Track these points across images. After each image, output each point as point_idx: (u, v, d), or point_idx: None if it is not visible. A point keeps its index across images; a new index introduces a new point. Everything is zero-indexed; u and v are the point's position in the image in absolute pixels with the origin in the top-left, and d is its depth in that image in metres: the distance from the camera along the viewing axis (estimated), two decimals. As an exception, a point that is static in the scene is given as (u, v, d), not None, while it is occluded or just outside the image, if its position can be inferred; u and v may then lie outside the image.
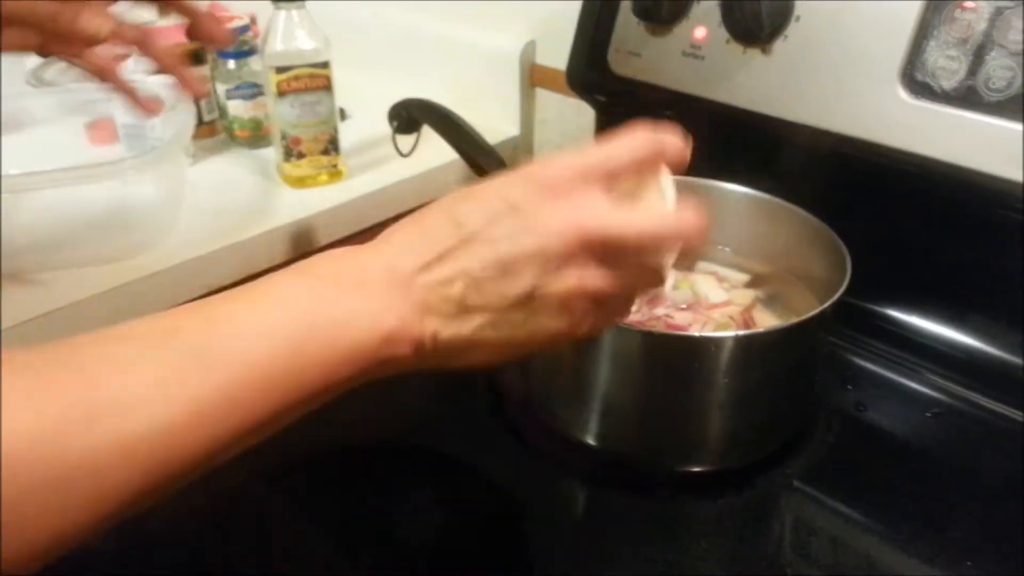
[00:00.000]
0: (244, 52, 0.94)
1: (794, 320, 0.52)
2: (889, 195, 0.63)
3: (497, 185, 0.36)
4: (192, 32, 0.66)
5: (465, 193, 0.37)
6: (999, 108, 0.54)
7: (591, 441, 0.55)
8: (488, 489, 0.55)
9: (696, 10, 0.67)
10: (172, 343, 0.31)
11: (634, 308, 0.42)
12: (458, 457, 0.57)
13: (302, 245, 0.84)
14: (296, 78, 0.83)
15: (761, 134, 0.66)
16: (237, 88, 0.95)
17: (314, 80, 0.84)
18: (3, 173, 0.66)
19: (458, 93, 1.04)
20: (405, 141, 0.73)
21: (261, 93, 0.94)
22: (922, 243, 0.64)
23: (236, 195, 0.86)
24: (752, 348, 0.51)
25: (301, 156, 0.87)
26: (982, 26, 0.54)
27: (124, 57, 0.76)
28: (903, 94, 0.58)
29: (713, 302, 0.61)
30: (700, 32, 0.67)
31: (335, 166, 0.89)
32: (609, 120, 0.83)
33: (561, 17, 0.84)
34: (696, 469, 0.55)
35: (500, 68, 0.99)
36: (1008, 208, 0.56)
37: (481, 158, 0.67)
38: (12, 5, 0.57)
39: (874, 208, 0.64)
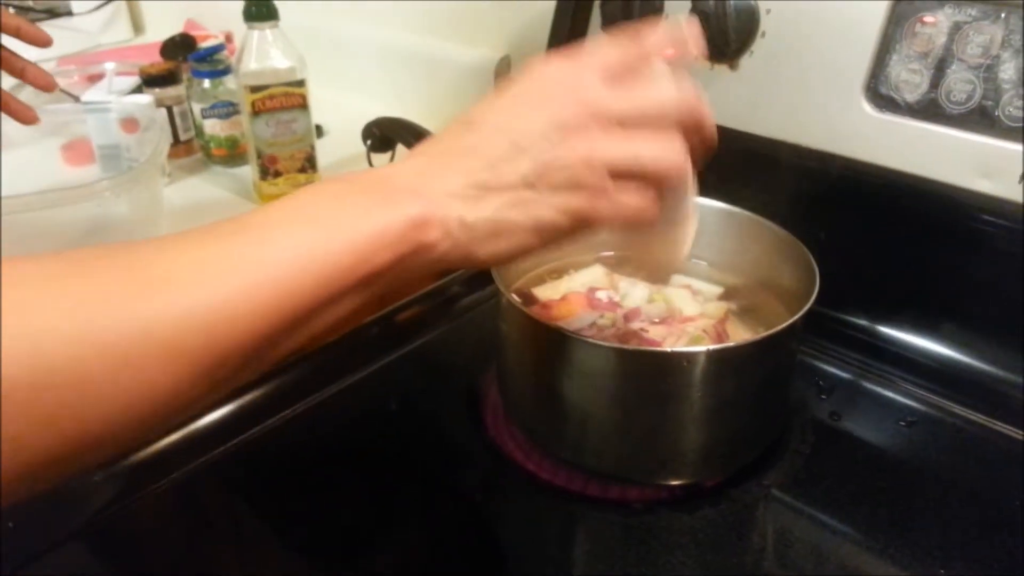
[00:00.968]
0: (219, 71, 0.95)
1: (765, 332, 0.52)
2: (857, 207, 0.64)
3: (501, 89, 0.39)
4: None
5: (477, 104, 0.39)
6: (960, 120, 0.55)
7: (566, 455, 0.55)
8: (463, 503, 0.55)
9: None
10: (211, 235, 0.33)
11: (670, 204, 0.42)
12: (434, 471, 0.57)
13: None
14: (271, 97, 0.83)
15: (730, 149, 0.67)
16: (213, 107, 0.95)
17: (289, 98, 0.84)
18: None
19: (435, 108, 1.05)
20: (381, 159, 0.73)
21: (237, 112, 0.94)
22: (891, 253, 0.65)
23: (213, 214, 0.86)
24: (724, 361, 0.51)
25: (278, 175, 0.87)
26: (942, 40, 0.55)
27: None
28: (867, 107, 0.59)
29: (687, 315, 0.61)
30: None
31: (312, 184, 0.89)
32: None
33: (535, 32, 0.85)
34: (671, 482, 0.55)
35: (475, 83, 1.00)
36: (972, 218, 0.57)
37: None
38: None
39: (843, 220, 0.65)
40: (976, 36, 0.54)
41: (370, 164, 0.73)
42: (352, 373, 0.67)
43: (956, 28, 0.55)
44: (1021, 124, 0.53)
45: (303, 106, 0.85)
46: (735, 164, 0.68)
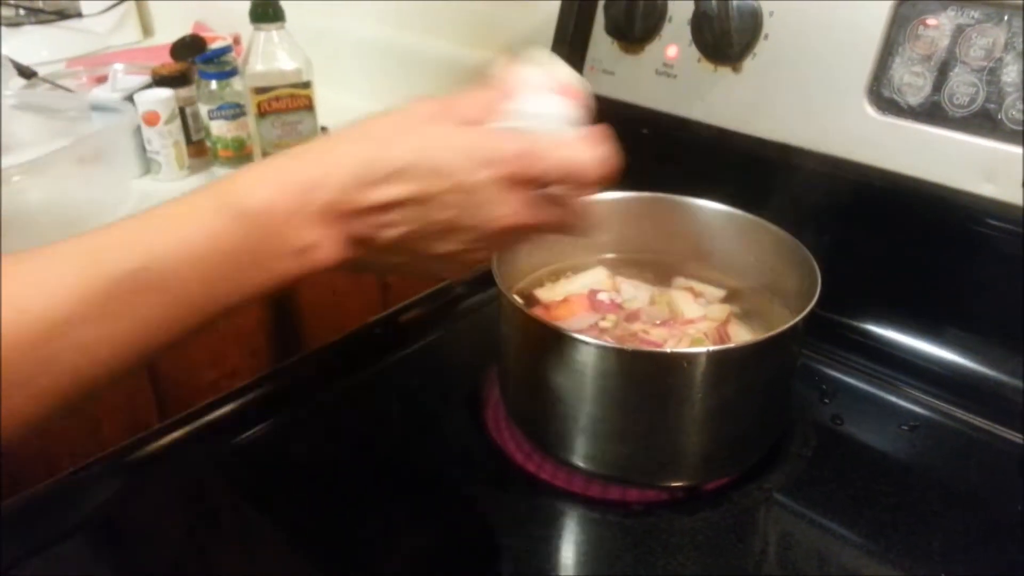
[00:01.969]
0: (226, 72, 0.95)
1: (766, 335, 0.52)
2: (859, 210, 0.64)
3: (433, 125, 0.41)
4: None
5: (409, 126, 0.41)
6: (963, 123, 0.55)
7: (567, 457, 0.55)
8: (465, 505, 0.55)
9: (668, 29, 0.68)
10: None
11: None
12: (436, 474, 0.57)
13: (284, 264, 0.84)
14: (277, 98, 0.84)
15: (733, 151, 0.67)
16: (220, 108, 0.95)
17: (295, 100, 0.84)
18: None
19: (440, 111, 1.05)
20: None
21: (243, 113, 0.94)
22: (894, 256, 0.65)
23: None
24: (725, 363, 0.51)
25: (283, 176, 0.87)
26: (945, 43, 0.55)
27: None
28: (870, 110, 0.59)
29: (689, 317, 0.61)
30: (672, 51, 0.68)
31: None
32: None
33: (539, 34, 0.85)
34: (672, 484, 0.55)
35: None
36: (974, 221, 0.57)
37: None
38: None
39: (846, 222, 0.65)
40: (979, 39, 0.54)
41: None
42: (354, 373, 0.67)
43: (959, 31, 0.55)
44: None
45: (309, 108, 0.85)
46: (737, 167, 0.69)
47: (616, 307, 0.62)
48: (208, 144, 0.99)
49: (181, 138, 0.95)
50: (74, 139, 0.86)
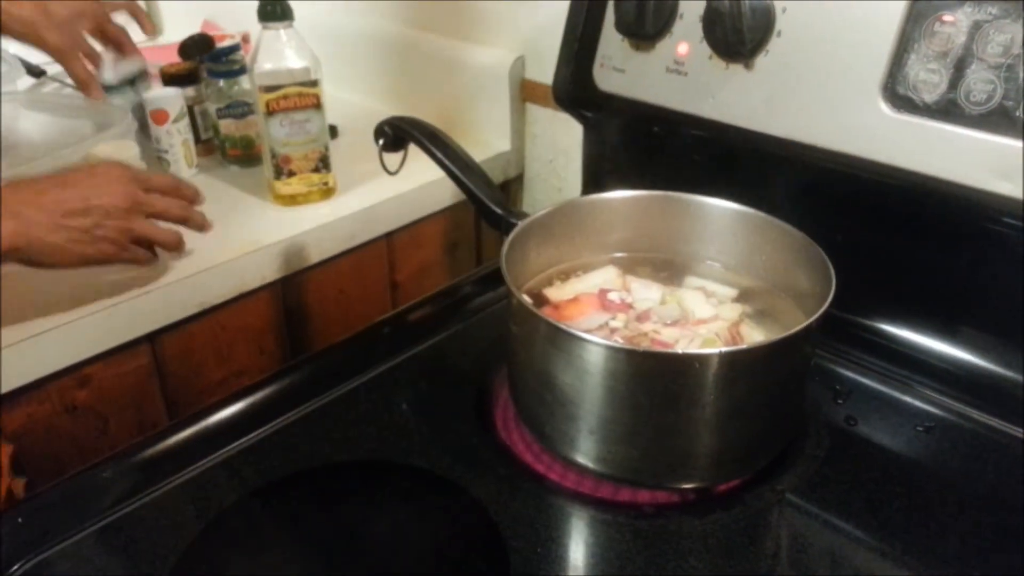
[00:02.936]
0: (234, 71, 0.95)
1: (779, 335, 0.51)
2: (874, 208, 0.63)
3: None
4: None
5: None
6: (980, 121, 0.54)
7: (577, 459, 0.55)
8: (474, 507, 0.55)
9: (679, 26, 0.68)
10: None
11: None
12: (445, 475, 0.57)
13: (293, 263, 0.84)
14: (285, 97, 0.83)
15: (745, 149, 0.67)
16: (228, 107, 0.95)
17: (303, 99, 0.84)
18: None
19: (450, 108, 1.05)
20: (393, 159, 0.73)
21: (252, 112, 0.94)
22: (909, 256, 0.64)
23: (228, 214, 0.86)
24: (737, 364, 0.51)
25: (292, 174, 0.87)
26: (962, 39, 0.54)
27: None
28: (885, 108, 0.58)
29: (700, 317, 0.60)
30: (683, 48, 0.67)
31: (326, 184, 0.90)
32: (597, 135, 0.83)
33: (550, 33, 0.84)
34: (684, 486, 0.54)
35: (490, 84, 1.00)
36: (992, 220, 0.56)
37: (465, 175, 0.67)
38: None
39: (860, 221, 0.64)
40: (997, 35, 0.53)
41: (382, 164, 0.73)
42: (363, 372, 0.67)
43: (976, 27, 0.54)
44: (1043, 125, 0.52)
45: (317, 106, 0.85)
46: (750, 165, 0.68)
47: (626, 307, 0.61)
48: (216, 143, 0.99)
49: (190, 137, 0.95)
50: (80, 139, 0.86)
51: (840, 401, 0.63)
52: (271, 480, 0.57)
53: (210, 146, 1.00)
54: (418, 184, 0.92)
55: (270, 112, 0.83)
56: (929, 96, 0.56)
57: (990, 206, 0.56)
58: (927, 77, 0.56)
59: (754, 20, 0.62)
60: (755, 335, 0.59)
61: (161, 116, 0.91)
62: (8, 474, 0.65)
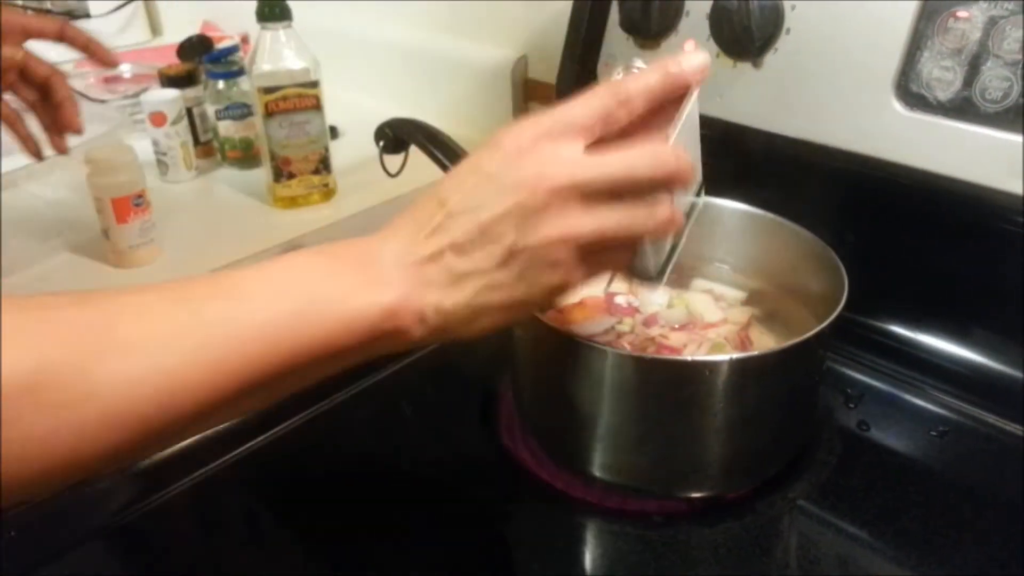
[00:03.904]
0: (233, 72, 0.94)
1: (791, 341, 0.50)
2: (886, 208, 0.62)
3: (471, 160, 0.39)
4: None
5: (448, 174, 0.40)
6: (996, 119, 0.53)
7: (584, 467, 0.54)
8: (478, 516, 0.54)
9: (685, 24, 0.67)
10: (182, 299, 0.34)
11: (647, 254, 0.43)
12: (451, 484, 0.56)
13: (293, 267, 0.83)
14: (284, 98, 0.82)
15: (754, 149, 0.65)
16: (227, 109, 0.94)
17: (303, 100, 0.83)
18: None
19: (452, 108, 1.04)
20: (394, 161, 0.72)
21: (251, 113, 0.93)
22: (922, 257, 0.63)
23: (227, 216, 0.86)
24: (748, 371, 0.49)
25: (291, 176, 0.86)
26: (976, 36, 0.53)
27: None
28: (898, 106, 0.57)
29: (709, 321, 0.59)
30: (690, 46, 0.66)
31: (326, 185, 0.89)
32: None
33: (553, 32, 0.83)
34: (694, 495, 0.53)
35: (493, 83, 0.99)
36: (1007, 220, 0.55)
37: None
38: None
39: (871, 222, 0.63)
40: (1013, 31, 0.52)
41: (383, 166, 0.72)
42: (366, 378, 0.66)
43: (992, 23, 0.52)
44: (1060, 123, 0.51)
45: (317, 107, 0.84)
46: (759, 165, 0.67)
47: (633, 310, 0.60)
48: (215, 144, 0.98)
49: (189, 139, 0.94)
50: (78, 141, 0.85)
51: (852, 405, 0.62)
52: (273, 488, 0.56)
53: (209, 148, 0.99)
54: (419, 186, 0.90)
55: (269, 113, 0.82)
56: (943, 94, 0.55)
57: (1006, 206, 0.55)
58: (941, 75, 0.55)
59: (762, 18, 0.61)
60: (764, 339, 0.58)
61: (159, 118, 0.90)
62: None
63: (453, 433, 0.61)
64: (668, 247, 0.45)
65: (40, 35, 0.71)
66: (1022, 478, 0.55)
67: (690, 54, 0.41)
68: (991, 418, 0.60)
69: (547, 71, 0.93)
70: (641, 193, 0.38)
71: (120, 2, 1.38)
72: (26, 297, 0.32)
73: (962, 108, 0.54)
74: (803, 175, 0.64)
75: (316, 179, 0.87)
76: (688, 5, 0.67)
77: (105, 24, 1.38)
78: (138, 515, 0.54)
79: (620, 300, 0.61)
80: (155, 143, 0.92)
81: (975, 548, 0.50)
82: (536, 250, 0.37)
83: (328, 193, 0.89)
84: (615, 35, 0.72)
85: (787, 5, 0.61)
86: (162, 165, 0.93)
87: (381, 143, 0.70)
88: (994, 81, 0.53)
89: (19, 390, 0.29)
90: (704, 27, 0.65)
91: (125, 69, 1.20)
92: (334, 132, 1.01)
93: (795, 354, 0.50)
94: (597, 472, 0.53)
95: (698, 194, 0.48)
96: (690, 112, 0.41)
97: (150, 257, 0.78)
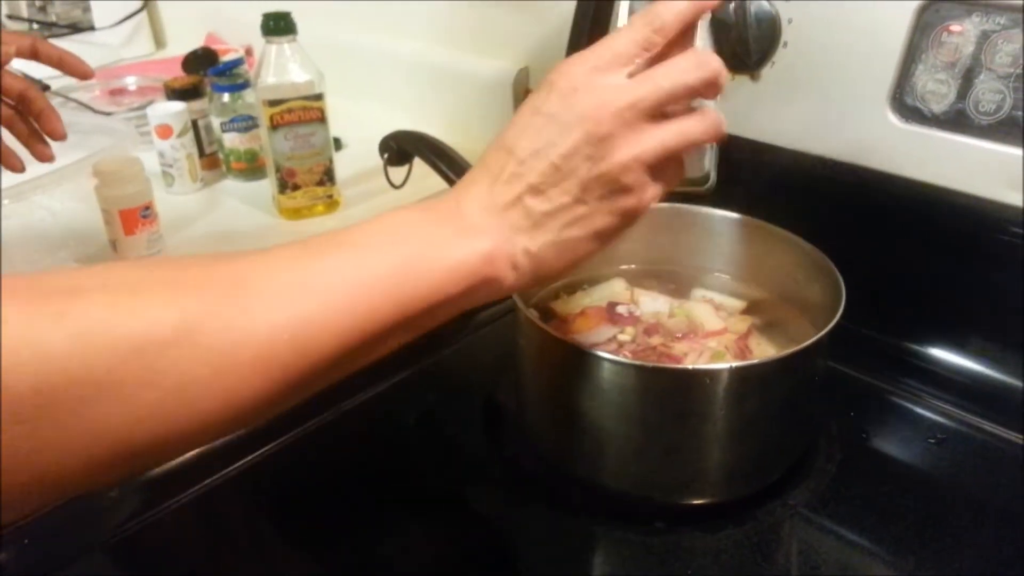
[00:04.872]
0: (238, 85, 0.95)
1: (790, 349, 0.51)
2: (883, 220, 0.63)
3: (529, 105, 0.41)
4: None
5: (509, 123, 0.41)
6: (990, 131, 0.54)
7: (585, 473, 0.55)
8: (482, 523, 0.55)
9: (684, 37, 0.68)
10: (305, 254, 0.36)
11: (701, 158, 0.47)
12: (453, 490, 0.57)
13: (298, 277, 0.83)
14: (289, 111, 0.83)
15: (753, 161, 0.66)
16: (232, 121, 0.95)
17: (307, 112, 0.84)
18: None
19: (455, 119, 1.05)
20: (398, 173, 0.73)
21: (256, 125, 0.94)
22: (919, 267, 0.64)
23: (233, 227, 0.86)
24: (748, 379, 0.50)
25: (296, 188, 0.87)
26: (970, 49, 0.54)
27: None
28: (893, 118, 0.58)
29: (709, 330, 0.60)
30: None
31: (331, 196, 0.90)
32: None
33: (554, 43, 0.84)
34: (695, 502, 0.54)
35: (495, 95, 1.00)
36: (1001, 230, 0.56)
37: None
38: None
39: (868, 233, 0.64)
40: (1005, 45, 0.53)
41: (387, 178, 0.73)
42: (370, 388, 0.66)
43: (984, 37, 0.54)
44: (1053, 134, 0.52)
45: (321, 120, 0.85)
46: (758, 176, 0.68)
47: (635, 320, 0.61)
48: (221, 156, 0.99)
49: (194, 151, 0.95)
50: (87, 153, 0.86)
51: (851, 413, 0.62)
52: (277, 499, 0.57)
53: (214, 160, 1.00)
54: (424, 197, 0.91)
55: (274, 126, 0.83)
56: (937, 106, 0.56)
57: (999, 216, 0.56)
58: (935, 87, 0.56)
59: (760, 31, 0.62)
60: (764, 347, 0.59)
61: (165, 130, 0.91)
62: None
63: (456, 442, 0.62)
64: (711, 151, 0.48)
65: (18, 52, 0.73)
66: (1019, 485, 0.55)
67: None
68: (988, 426, 0.60)
69: (548, 83, 0.94)
70: (688, 102, 0.40)
71: (124, 15, 1.40)
72: (142, 261, 0.34)
73: (956, 120, 0.55)
74: (801, 186, 0.65)
75: (321, 190, 0.88)
76: (687, 19, 0.68)
77: (109, 37, 1.39)
78: (142, 527, 0.54)
79: (622, 310, 0.61)
80: (161, 155, 0.93)
81: (973, 555, 0.50)
82: (610, 176, 0.39)
83: (333, 204, 0.90)
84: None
85: (784, 20, 0.63)
86: (168, 177, 0.94)
87: (385, 155, 0.71)
88: (987, 94, 0.54)
89: (167, 342, 0.30)
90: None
91: (130, 81, 1.21)
92: (338, 144, 1.02)
93: (794, 362, 0.51)
94: (599, 479, 0.54)
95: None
96: (702, 37, 0.44)
97: (156, 268, 0.79)
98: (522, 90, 0.99)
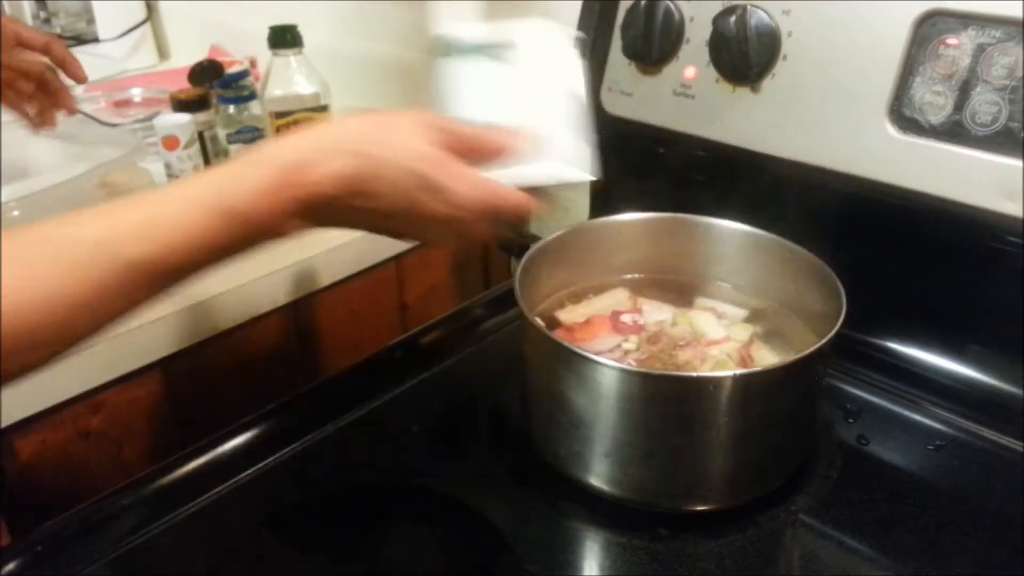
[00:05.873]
0: (244, 97, 0.96)
1: (792, 357, 0.52)
2: (882, 229, 0.64)
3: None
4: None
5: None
6: (986, 142, 0.55)
7: (591, 481, 0.55)
8: (487, 530, 0.55)
9: (685, 50, 0.69)
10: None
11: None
12: (458, 497, 0.57)
13: (304, 286, 0.84)
14: (295, 123, 0.84)
15: (753, 171, 0.67)
16: (238, 132, 0.96)
17: (313, 124, 0.85)
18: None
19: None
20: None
21: (262, 137, 0.95)
22: (916, 275, 0.65)
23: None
24: (751, 387, 0.51)
25: (301, 198, 0.88)
26: (966, 62, 0.55)
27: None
28: (891, 129, 0.59)
29: (712, 339, 0.61)
30: (690, 72, 0.68)
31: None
32: (604, 158, 0.83)
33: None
34: (697, 508, 0.54)
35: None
36: (998, 239, 0.57)
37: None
38: None
39: (868, 242, 0.65)
40: (1001, 57, 0.54)
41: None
42: (375, 397, 0.67)
43: (980, 50, 0.55)
44: (1048, 145, 0.53)
45: (326, 131, 0.86)
46: (758, 187, 0.69)
47: (639, 328, 0.62)
48: (226, 167, 1.00)
49: (200, 162, 0.95)
50: (93, 164, 0.87)
51: (851, 420, 0.63)
52: (285, 507, 0.57)
53: (219, 170, 1.01)
54: (426, 206, 0.92)
55: (280, 137, 0.84)
56: (935, 118, 0.57)
57: (995, 226, 0.56)
58: (933, 99, 0.57)
59: (760, 44, 0.63)
60: (766, 355, 0.60)
61: (172, 142, 0.92)
62: None
63: (461, 449, 0.62)
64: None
65: (29, 45, 0.81)
66: (1018, 491, 0.56)
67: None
68: (987, 432, 0.61)
69: (550, 94, 0.95)
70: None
71: (128, 26, 1.41)
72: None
73: (953, 131, 0.56)
74: (801, 196, 0.66)
75: (325, 200, 0.89)
76: (688, 33, 0.69)
77: (113, 48, 1.39)
78: (146, 538, 0.54)
79: (626, 319, 0.62)
80: (167, 166, 0.93)
81: (971, 559, 0.51)
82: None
83: (336, 214, 0.91)
84: (618, 61, 0.74)
85: (784, 33, 0.63)
86: (174, 187, 0.94)
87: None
88: (983, 105, 0.55)
89: None
90: (704, 54, 0.67)
91: (135, 93, 1.22)
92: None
93: (796, 370, 0.52)
94: (605, 486, 0.55)
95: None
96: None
97: (164, 278, 0.80)
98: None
